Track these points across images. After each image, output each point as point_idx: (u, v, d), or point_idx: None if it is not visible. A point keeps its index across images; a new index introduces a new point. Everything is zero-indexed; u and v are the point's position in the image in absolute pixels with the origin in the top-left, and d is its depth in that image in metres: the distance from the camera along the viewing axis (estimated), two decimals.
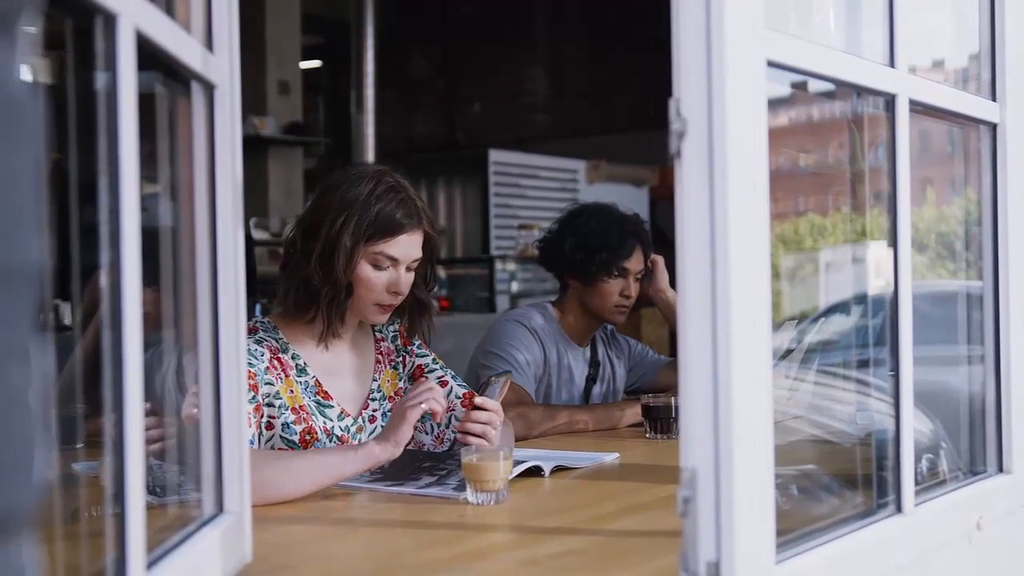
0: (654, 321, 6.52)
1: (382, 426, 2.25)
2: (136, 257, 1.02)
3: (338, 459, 1.94)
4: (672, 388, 2.93)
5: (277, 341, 2.19)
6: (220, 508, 1.36)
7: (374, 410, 2.29)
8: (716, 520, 1.16)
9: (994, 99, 1.79)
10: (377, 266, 2.15)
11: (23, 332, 0.53)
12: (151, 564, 1.09)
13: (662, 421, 2.62)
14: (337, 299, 2.15)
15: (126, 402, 1.00)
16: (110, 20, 0.99)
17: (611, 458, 2.33)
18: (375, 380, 2.31)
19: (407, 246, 2.17)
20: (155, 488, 1.34)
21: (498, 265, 7.49)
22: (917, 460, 1.58)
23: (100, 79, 1.01)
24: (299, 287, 2.17)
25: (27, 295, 0.54)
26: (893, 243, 1.51)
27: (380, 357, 2.34)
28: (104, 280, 1.00)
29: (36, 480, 0.55)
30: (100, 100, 1.01)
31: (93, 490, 1.38)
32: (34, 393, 0.54)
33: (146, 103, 1.08)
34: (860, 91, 1.55)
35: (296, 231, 2.20)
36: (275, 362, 2.14)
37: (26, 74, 0.56)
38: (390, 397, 2.31)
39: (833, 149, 2.03)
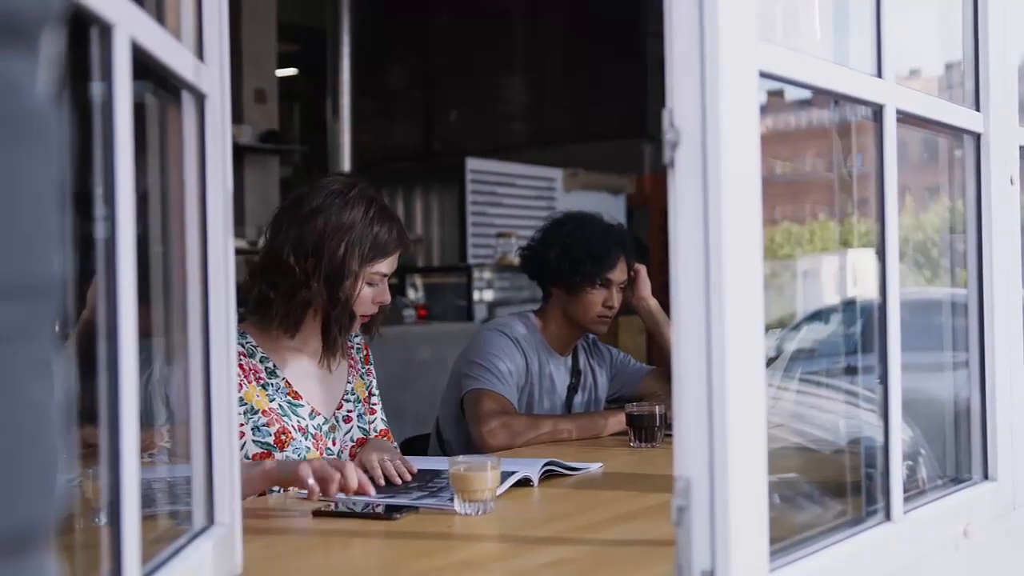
0: (631, 329, 6.54)
1: (358, 427, 2.36)
2: (131, 266, 1.01)
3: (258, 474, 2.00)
4: (654, 396, 2.94)
5: (243, 346, 2.22)
6: (211, 520, 1.35)
7: (348, 411, 2.37)
8: (711, 529, 1.16)
9: (977, 109, 1.80)
10: (370, 284, 2.26)
11: (46, 346, 0.53)
12: None
13: (646, 430, 2.62)
14: (345, 323, 2.24)
15: (121, 414, 1.00)
16: (106, 30, 0.98)
17: (596, 467, 2.33)
18: (349, 383, 2.38)
19: (395, 261, 2.30)
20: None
21: (476, 273, 7.47)
22: None
23: (95, 88, 1.00)
24: (300, 307, 2.22)
25: (49, 309, 0.54)
26: (881, 251, 1.52)
27: (352, 362, 2.42)
28: (100, 289, 1.00)
29: (58, 493, 0.55)
30: (94, 109, 1.01)
31: (78, 502, 1.37)
32: (56, 406, 0.54)
33: (135, 112, 1.07)
34: (849, 101, 1.56)
35: (286, 250, 2.21)
36: (238, 368, 2.17)
37: (48, 86, 0.56)
38: (363, 400, 2.40)
39: (810, 157, 2.05)
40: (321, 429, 2.27)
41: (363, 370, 2.44)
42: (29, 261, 0.52)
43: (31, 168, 0.53)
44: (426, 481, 2.10)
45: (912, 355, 1.79)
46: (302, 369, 2.29)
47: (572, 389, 3.10)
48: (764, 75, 1.24)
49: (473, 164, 8.13)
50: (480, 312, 7.31)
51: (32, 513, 0.52)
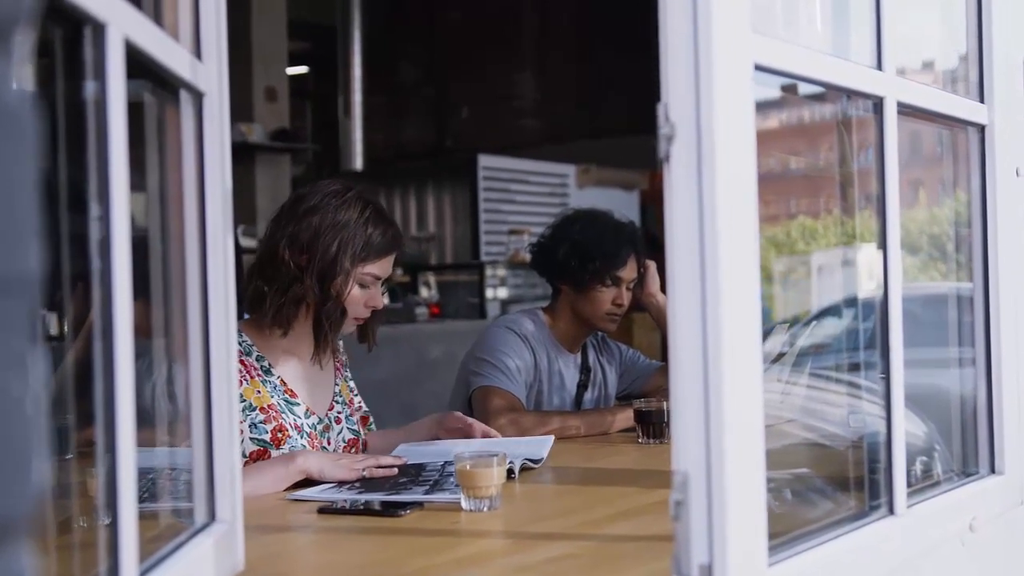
0: (645, 326, 6.52)
1: (347, 428, 2.41)
2: (126, 266, 1.01)
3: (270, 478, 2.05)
4: (664, 393, 2.93)
5: (240, 344, 2.24)
6: (212, 517, 1.36)
7: (338, 412, 2.41)
8: (708, 523, 1.16)
9: (982, 101, 1.79)
10: (362, 285, 2.29)
11: (22, 340, 0.53)
12: (144, 573, 1.09)
13: (654, 426, 2.62)
14: (335, 318, 2.27)
15: (117, 412, 1.00)
16: (99, 29, 0.99)
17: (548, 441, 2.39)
18: (336, 385, 2.44)
19: (389, 265, 2.33)
20: (142, 495, 1.33)
21: (488, 271, 7.47)
22: (911, 463, 1.59)
23: (89, 87, 1.01)
24: (292, 303, 2.25)
25: (26, 304, 0.54)
26: (883, 245, 1.52)
27: (339, 366, 2.48)
28: (95, 290, 1.00)
29: (34, 488, 0.55)
30: (89, 108, 1.01)
31: (82, 500, 1.37)
32: (32, 401, 0.54)
33: (134, 111, 1.08)
34: (848, 94, 1.55)
35: (282, 245, 2.25)
36: (239, 364, 2.20)
37: (22, 84, 0.56)
38: (348, 403, 2.45)
39: (824, 152, 2.04)
40: (316, 428, 2.32)
41: (346, 374, 2.50)
42: (5, 257, 0.53)
43: (6, 165, 0.53)
44: (415, 477, 2.09)
45: (925, 351, 1.79)
46: (295, 369, 2.33)
47: (583, 386, 3.10)
48: (760, 68, 1.24)
49: (485, 161, 8.13)
50: (493, 309, 7.30)
51: (7, 507, 0.52)
